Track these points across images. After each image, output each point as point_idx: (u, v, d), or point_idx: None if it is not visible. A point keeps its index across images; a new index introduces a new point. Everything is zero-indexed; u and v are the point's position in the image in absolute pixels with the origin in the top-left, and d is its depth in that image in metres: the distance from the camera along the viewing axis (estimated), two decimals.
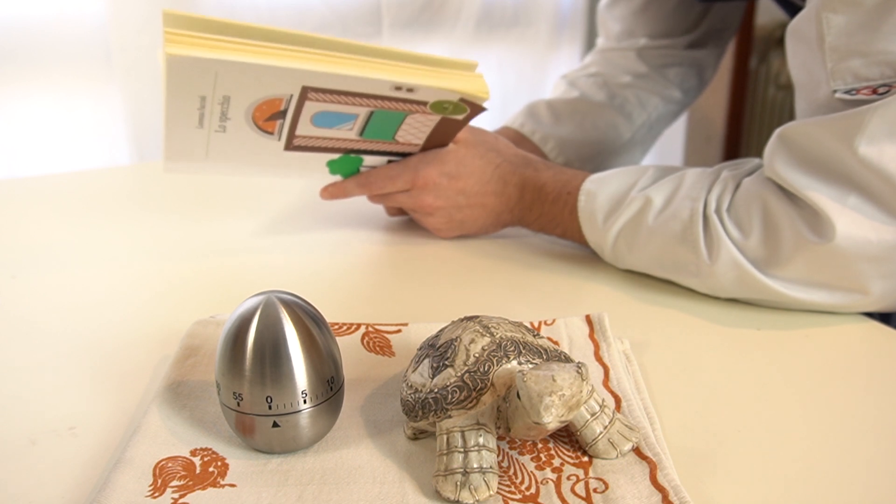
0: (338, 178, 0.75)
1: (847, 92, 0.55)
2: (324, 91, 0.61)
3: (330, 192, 0.75)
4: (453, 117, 0.68)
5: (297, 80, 0.60)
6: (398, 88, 0.62)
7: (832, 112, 0.56)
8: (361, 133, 0.68)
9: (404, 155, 0.73)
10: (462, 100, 0.65)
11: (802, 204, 0.57)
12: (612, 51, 0.99)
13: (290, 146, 0.68)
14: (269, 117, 0.64)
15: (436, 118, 0.67)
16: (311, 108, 0.63)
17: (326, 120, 0.65)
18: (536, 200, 0.72)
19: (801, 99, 0.62)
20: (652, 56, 0.96)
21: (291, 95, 0.62)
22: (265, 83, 0.60)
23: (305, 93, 0.61)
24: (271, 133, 0.66)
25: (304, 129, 0.66)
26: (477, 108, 0.66)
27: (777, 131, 0.59)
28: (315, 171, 0.73)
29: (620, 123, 0.94)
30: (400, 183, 0.73)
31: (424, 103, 0.65)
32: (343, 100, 0.63)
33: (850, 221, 0.55)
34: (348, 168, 0.73)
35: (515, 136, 0.90)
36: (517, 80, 1.78)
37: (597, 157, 0.94)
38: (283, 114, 0.64)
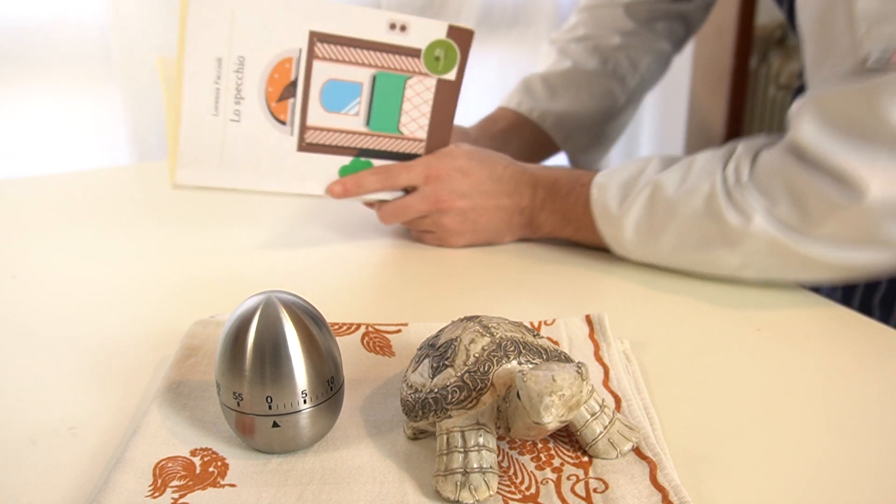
0: None
1: (879, 56, 0.55)
2: (329, 40, 0.64)
3: (343, 184, 0.71)
4: (446, 78, 0.69)
5: (306, 19, 0.63)
6: (392, 27, 0.66)
7: (855, 75, 0.56)
8: (368, 122, 0.69)
9: (411, 157, 0.73)
10: (450, 33, 0.67)
11: (826, 170, 0.57)
12: (599, 7, 0.97)
13: (302, 145, 0.68)
14: (281, 95, 0.65)
15: (432, 84, 0.69)
16: (319, 73, 0.65)
17: (335, 96, 0.67)
18: (548, 197, 0.72)
19: (818, 66, 0.62)
20: (639, 11, 0.95)
21: (300, 51, 0.64)
22: (277, 27, 0.63)
23: (313, 45, 0.64)
24: (284, 123, 0.66)
25: (315, 114, 0.67)
26: (466, 37, 0.68)
27: (804, 98, 0.59)
28: (328, 180, 0.71)
29: (615, 88, 0.94)
30: (414, 174, 0.72)
31: (418, 52, 0.67)
32: (348, 55, 0.65)
33: (883, 181, 0.55)
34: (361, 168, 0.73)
35: (514, 117, 0.90)
36: (517, 80, 1.78)
37: (594, 125, 0.93)
38: (293, 87, 0.65)
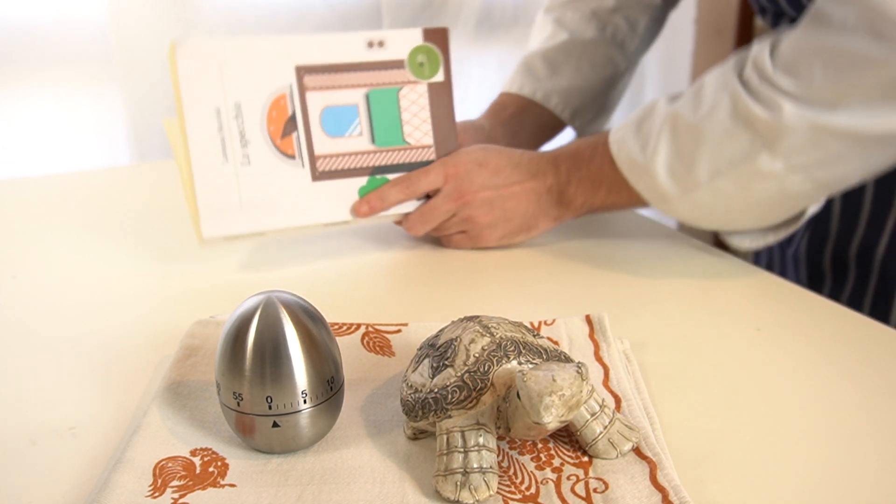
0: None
1: None
2: (316, 70, 0.67)
3: (367, 202, 0.70)
4: (435, 80, 0.71)
5: (289, 56, 0.67)
6: (371, 45, 0.69)
7: None
8: (373, 140, 0.71)
9: (424, 165, 0.74)
10: (426, 36, 0.71)
11: (864, 24, 0.55)
12: None
13: (316, 174, 0.69)
14: (283, 131, 0.67)
15: (423, 90, 0.71)
16: (314, 103, 0.68)
17: (334, 121, 0.69)
18: (573, 167, 0.71)
19: None
20: None
21: (291, 86, 0.67)
22: (264, 69, 0.66)
23: (301, 78, 0.67)
24: (293, 157, 0.68)
25: (320, 142, 0.69)
26: (442, 36, 0.71)
27: None
28: (349, 203, 0.71)
29: (616, 55, 0.92)
30: (433, 176, 0.71)
31: (401, 63, 0.70)
32: (336, 81, 0.68)
33: None
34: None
35: (519, 101, 0.89)
36: None
37: (599, 96, 0.92)
38: (293, 122, 0.67)
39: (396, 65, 0.70)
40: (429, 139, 0.72)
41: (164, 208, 0.86)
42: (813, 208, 0.65)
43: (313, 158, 0.68)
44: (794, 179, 0.60)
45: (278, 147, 0.67)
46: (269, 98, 0.66)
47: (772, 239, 0.68)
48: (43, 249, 0.75)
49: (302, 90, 0.67)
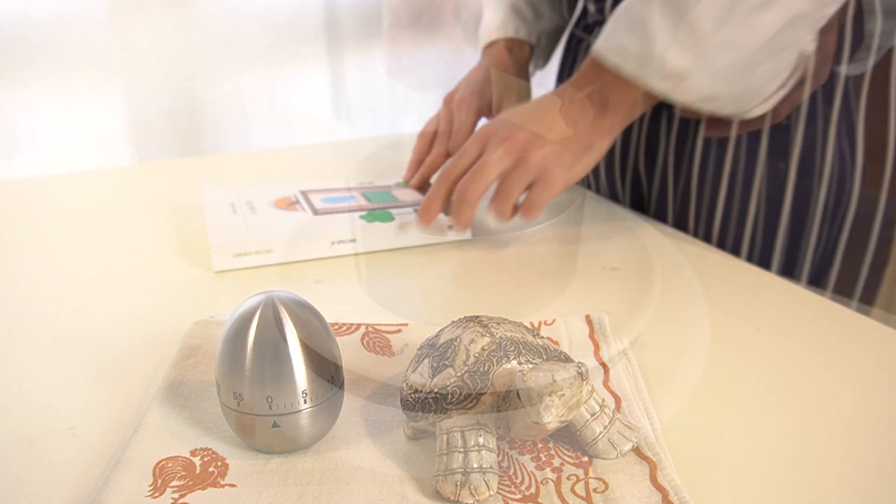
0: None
1: None
2: (316, 190, 0.83)
3: (426, 210, 0.71)
4: None
5: (294, 186, 0.84)
6: (360, 183, 0.87)
7: None
8: (368, 200, 0.80)
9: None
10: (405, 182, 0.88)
11: None
12: None
13: (316, 212, 0.77)
14: (287, 205, 0.79)
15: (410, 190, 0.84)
16: (315, 196, 0.81)
17: (332, 200, 0.81)
18: (596, 77, 0.67)
19: None
20: None
21: (296, 194, 0.82)
22: (273, 189, 0.83)
23: (305, 192, 0.82)
24: (296, 210, 0.77)
25: (320, 206, 0.79)
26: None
27: None
28: (353, 224, 0.74)
29: None
30: (471, 147, 0.69)
31: (390, 185, 0.86)
32: (335, 190, 0.83)
33: None
34: (382, 214, 0.77)
35: (516, 45, 0.88)
36: None
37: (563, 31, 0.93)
38: (296, 201, 0.80)
39: (387, 186, 0.85)
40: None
41: (164, 208, 0.86)
42: (810, 47, 0.64)
43: (314, 209, 0.77)
44: (772, 13, 0.59)
45: (283, 209, 0.78)
46: (275, 197, 0.81)
47: (781, 93, 0.66)
48: (43, 249, 0.75)
49: (305, 196, 0.81)
